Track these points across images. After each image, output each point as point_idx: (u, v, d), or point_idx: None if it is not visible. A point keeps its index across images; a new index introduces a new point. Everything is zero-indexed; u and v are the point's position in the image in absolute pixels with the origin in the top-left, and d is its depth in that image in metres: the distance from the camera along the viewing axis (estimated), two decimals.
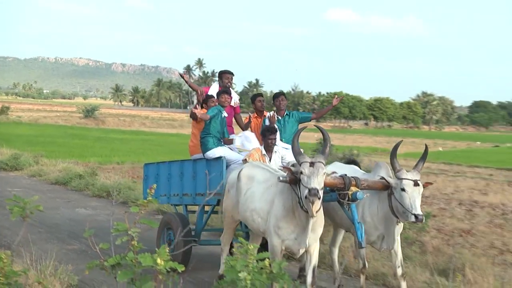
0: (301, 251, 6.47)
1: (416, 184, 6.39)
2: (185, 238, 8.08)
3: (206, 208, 8.85)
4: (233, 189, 7.25)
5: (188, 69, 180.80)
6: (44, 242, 10.01)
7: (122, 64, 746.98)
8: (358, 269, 8.77)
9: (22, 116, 66.64)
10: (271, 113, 8.78)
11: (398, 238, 6.99)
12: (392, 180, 6.56)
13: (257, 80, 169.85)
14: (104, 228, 10.05)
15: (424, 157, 6.84)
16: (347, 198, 6.45)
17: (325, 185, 6.08)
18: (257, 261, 3.20)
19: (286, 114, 8.84)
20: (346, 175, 6.57)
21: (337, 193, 6.54)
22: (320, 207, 6.09)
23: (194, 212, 9.54)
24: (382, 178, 6.70)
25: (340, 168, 7.24)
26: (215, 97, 8.76)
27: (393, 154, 6.75)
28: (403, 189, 6.36)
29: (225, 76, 9.30)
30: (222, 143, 8.41)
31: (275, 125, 8.42)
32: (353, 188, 6.43)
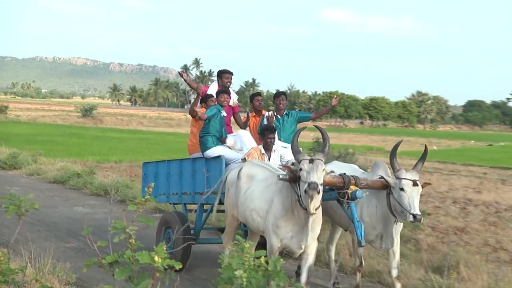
0: (300, 250, 6.47)
1: (415, 184, 6.36)
2: (184, 236, 8.07)
3: (205, 207, 8.84)
4: (233, 188, 7.21)
5: (186, 68, 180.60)
6: (43, 240, 10.00)
7: (120, 64, 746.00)
8: (354, 267, 8.80)
9: (20, 115, 66.55)
10: (270, 112, 8.78)
11: (397, 239, 6.98)
12: (391, 180, 6.53)
13: (253, 80, 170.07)
14: (102, 226, 10.07)
15: (423, 157, 6.80)
16: (346, 197, 6.43)
17: (325, 184, 6.07)
18: (254, 258, 3.20)
19: (285, 113, 8.83)
20: (345, 174, 6.57)
21: (337, 192, 6.52)
22: (319, 205, 6.09)
23: (191, 210, 9.54)
24: (381, 177, 6.70)
25: (340, 167, 7.23)
26: (215, 96, 8.75)
27: (393, 153, 6.71)
28: (402, 189, 6.33)
29: (224, 76, 9.26)
30: (221, 142, 8.40)
31: (274, 124, 8.42)
32: (353, 187, 6.40)
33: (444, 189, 20.00)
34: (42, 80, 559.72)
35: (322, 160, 5.93)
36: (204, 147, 8.33)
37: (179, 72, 9.79)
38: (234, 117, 9.52)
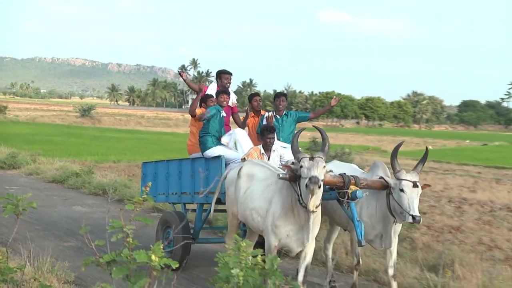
0: (299, 249, 6.46)
1: (415, 185, 6.32)
2: (183, 236, 8.06)
3: (205, 206, 8.82)
4: (232, 187, 7.19)
5: (184, 69, 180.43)
6: (41, 239, 9.99)
7: (118, 64, 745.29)
8: (350, 265, 8.81)
9: (19, 115, 66.42)
10: (270, 113, 8.76)
11: (395, 239, 6.97)
12: (391, 181, 6.49)
13: (251, 80, 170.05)
14: (100, 225, 10.06)
15: (424, 159, 6.75)
16: (346, 197, 6.40)
17: (325, 183, 6.05)
18: (253, 257, 3.20)
19: (284, 113, 8.80)
20: (345, 173, 6.54)
21: (337, 192, 6.49)
22: (319, 204, 6.09)
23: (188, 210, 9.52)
24: (381, 178, 6.67)
25: (339, 167, 7.21)
26: (214, 96, 8.73)
27: (394, 154, 6.67)
28: (402, 190, 6.30)
29: (224, 76, 9.23)
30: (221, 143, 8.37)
31: (273, 124, 8.41)
32: (353, 187, 6.37)
33: (439, 188, 20.01)
34: (41, 80, 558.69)
35: (322, 158, 5.93)
36: (204, 147, 8.31)
37: (179, 73, 9.78)
38: (233, 117, 9.50)
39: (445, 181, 22.56)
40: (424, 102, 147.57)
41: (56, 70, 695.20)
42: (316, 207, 6.02)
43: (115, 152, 28.34)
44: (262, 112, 9.13)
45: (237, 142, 8.43)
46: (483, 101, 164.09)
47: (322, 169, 5.84)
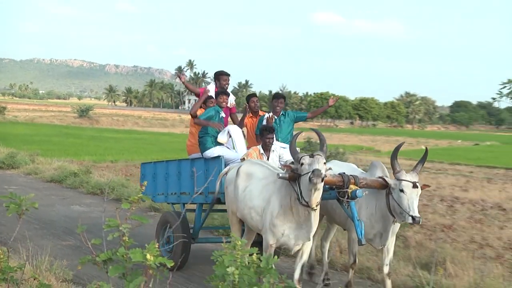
0: (297, 247, 6.45)
1: (414, 186, 6.31)
2: (183, 236, 8.04)
3: (204, 206, 8.79)
4: (231, 186, 7.16)
5: (180, 70, 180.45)
6: (40, 238, 9.96)
7: (116, 66, 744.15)
8: (344, 264, 8.82)
9: (18, 116, 66.25)
10: (270, 114, 8.72)
11: (393, 238, 6.96)
12: (391, 181, 6.47)
13: (246, 81, 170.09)
14: (97, 224, 10.02)
15: (423, 159, 6.73)
16: (346, 196, 6.37)
17: (324, 183, 6.02)
18: (249, 255, 3.19)
19: (282, 114, 8.76)
20: (344, 173, 6.53)
21: (336, 191, 6.47)
22: (319, 202, 6.07)
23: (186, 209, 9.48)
24: (381, 177, 6.65)
25: (339, 167, 7.17)
26: (214, 97, 8.71)
27: (394, 155, 6.63)
28: (401, 190, 6.28)
29: (222, 77, 9.21)
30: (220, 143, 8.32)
31: (273, 124, 8.40)
32: (352, 186, 6.35)
33: (432, 187, 19.99)
34: (39, 82, 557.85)
35: (322, 156, 5.93)
36: (203, 147, 8.28)
37: (177, 75, 9.76)
38: (231, 118, 9.48)
39: (437, 180, 22.58)
40: (417, 102, 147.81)
41: (54, 71, 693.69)
42: (316, 205, 6.01)
43: (113, 152, 28.29)
44: (261, 112, 9.10)
45: (232, 139, 8.40)
46: (474, 101, 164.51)
47: (323, 165, 5.83)
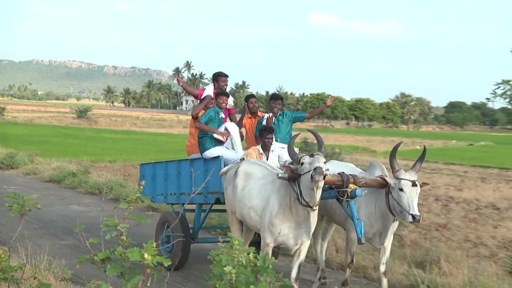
0: (296, 246, 6.43)
1: (414, 184, 6.29)
2: (183, 236, 8.03)
3: (204, 206, 8.78)
4: (230, 186, 7.14)
5: (178, 71, 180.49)
6: (39, 238, 9.95)
7: (114, 67, 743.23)
8: (340, 262, 8.82)
9: (17, 117, 66.23)
10: (270, 114, 8.70)
11: (391, 236, 6.95)
12: (390, 180, 6.45)
13: (243, 82, 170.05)
14: (95, 224, 10.02)
15: (421, 158, 6.70)
16: (346, 196, 6.35)
17: (324, 183, 5.98)
18: (248, 253, 3.20)
19: (280, 114, 8.71)
20: (344, 172, 6.51)
21: (336, 191, 6.45)
22: (319, 202, 6.06)
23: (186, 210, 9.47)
24: (381, 176, 6.62)
25: (338, 166, 7.16)
26: (214, 98, 8.70)
27: (393, 154, 6.62)
28: (401, 189, 6.25)
29: (220, 78, 9.19)
30: (219, 143, 8.30)
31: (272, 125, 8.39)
32: (352, 186, 6.32)
33: (426, 187, 20.00)
34: (38, 83, 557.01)
35: (321, 155, 5.93)
36: (202, 147, 8.25)
37: (176, 78, 9.75)
38: (229, 118, 9.47)
39: (432, 180, 22.60)
40: (412, 103, 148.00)
41: (53, 72, 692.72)
42: (316, 205, 6.01)
43: (111, 152, 28.28)
44: (260, 113, 9.08)
45: (231, 135, 8.38)
46: (469, 102, 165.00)
47: (324, 164, 5.83)
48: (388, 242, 6.93)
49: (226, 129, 8.35)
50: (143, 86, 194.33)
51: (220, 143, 8.24)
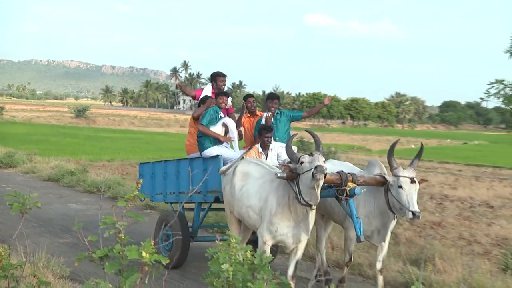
0: (294, 245, 6.41)
1: (412, 181, 6.29)
2: (183, 235, 8.01)
3: (203, 205, 8.76)
4: (228, 185, 7.11)
5: (175, 71, 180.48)
6: (37, 236, 9.93)
7: (112, 66, 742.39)
8: (335, 260, 8.82)
9: (16, 116, 66.05)
10: (269, 113, 8.69)
11: (389, 234, 6.95)
12: (389, 178, 6.44)
13: (240, 82, 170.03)
14: (94, 222, 9.97)
15: (419, 154, 6.71)
16: (345, 194, 6.31)
17: (323, 182, 5.96)
18: (246, 251, 3.20)
19: (278, 113, 8.68)
20: (342, 171, 6.48)
21: (335, 189, 6.42)
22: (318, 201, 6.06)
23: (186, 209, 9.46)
24: (380, 174, 6.61)
25: (336, 166, 7.15)
26: (213, 98, 8.69)
27: (390, 152, 6.59)
28: (400, 186, 6.24)
29: (219, 78, 9.17)
30: (219, 142, 8.28)
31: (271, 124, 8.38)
32: (351, 184, 6.30)
33: (421, 185, 19.96)
34: (37, 82, 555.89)
35: (320, 155, 5.92)
36: (202, 147, 8.22)
37: (177, 84, 9.75)
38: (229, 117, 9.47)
39: (427, 179, 22.63)
40: (407, 102, 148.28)
41: (51, 72, 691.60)
42: (315, 204, 6.00)
43: (109, 151, 28.23)
44: (259, 113, 9.07)
45: (229, 128, 8.37)
46: (463, 101, 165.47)
47: (324, 163, 5.83)
48: (386, 240, 6.92)
49: (224, 124, 8.34)
50: (141, 86, 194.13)
51: (219, 142, 8.23)
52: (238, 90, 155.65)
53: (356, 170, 7.13)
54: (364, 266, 8.44)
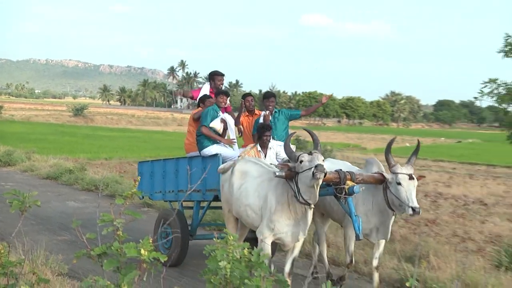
0: (293, 243, 6.40)
1: (411, 177, 6.26)
2: (182, 233, 8.00)
3: (202, 204, 8.75)
4: (226, 184, 7.09)
5: (172, 70, 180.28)
6: (36, 234, 9.92)
7: (110, 66, 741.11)
8: (331, 257, 8.81)
9: (15, 115, 65.93)
10: (267, 112, 8.68)
11: (389, 231, 6.94)
12: (387, 175, 6.43)
13: (237, 81, 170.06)
14: (92, 219, 9.96)
15: (416, 151, 6.70)
16: (344, 193, 6.29)
17: (322, 180, 5.94)
18: (243, 249, 3.19)
19: (276, 111, 8.65)
20: (341, 170, 6.46)
21: (334, 188, 6.39)
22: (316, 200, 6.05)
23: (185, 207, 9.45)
24: (378, 172, 6.59)
25: (334, 164, 7.13)
26: (211, 97, 8.68)
27: (388, 150, 6.59)
28: (399, 183, 6.22)
29: (217, 78, 9.16)
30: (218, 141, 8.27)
31: (270, 122, 8.37)
32: (349, 182, 6.27)
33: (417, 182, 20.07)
34: (35, 81, 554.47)
35: (319, 153, 5.92)
36: (201, 146, 8.21)
37: (178, 93, 9.78)
38: None
39: (424, 175, 22.68)
40: (402, 101, 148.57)
41: (50, 71, 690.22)
42: (314, 202, 5.99)
43: (107, 150, 28.23)
44: (257, 112, 9.06)
45: (228, 124, 8.37)
46: (457, 100, 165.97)
47: (323, 162, 5.81)
48: (387, 237, 6.92)
49: (223, 119, 8.34)
50: (139, 85, 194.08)
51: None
52: (235, 89, 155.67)
53: (354, 169, 7.09)
54: (359, 263, 8.44)
